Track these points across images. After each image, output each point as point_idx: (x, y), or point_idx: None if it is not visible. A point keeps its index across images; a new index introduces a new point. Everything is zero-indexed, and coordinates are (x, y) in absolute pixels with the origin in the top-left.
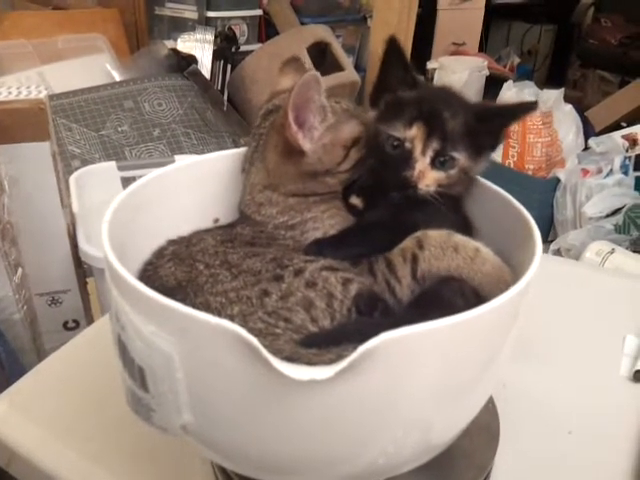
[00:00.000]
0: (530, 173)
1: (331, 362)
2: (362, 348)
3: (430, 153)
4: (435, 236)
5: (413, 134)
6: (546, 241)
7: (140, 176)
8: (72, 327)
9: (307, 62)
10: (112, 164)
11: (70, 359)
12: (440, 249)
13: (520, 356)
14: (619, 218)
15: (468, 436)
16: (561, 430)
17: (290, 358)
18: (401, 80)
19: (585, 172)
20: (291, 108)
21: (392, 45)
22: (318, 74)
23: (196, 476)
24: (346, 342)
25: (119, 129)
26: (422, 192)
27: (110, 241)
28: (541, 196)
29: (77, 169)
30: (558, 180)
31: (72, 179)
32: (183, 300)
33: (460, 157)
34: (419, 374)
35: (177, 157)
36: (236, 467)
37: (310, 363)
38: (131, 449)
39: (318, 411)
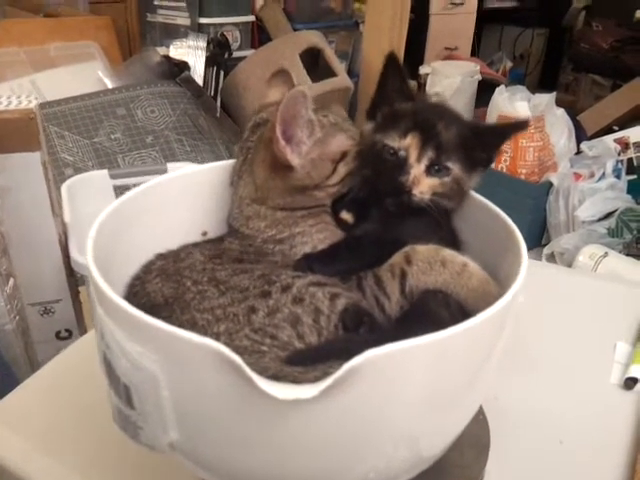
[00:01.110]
0: (523, 177)
1: (316, 379)
2: (347, 366)
3: (425, 161)
4: (423, 251)
5: (408, 143)
6: (539, 245)
7: (133, 184)
8: (65, 337)
9: (300, 69)
10: (104, 172)
11: (58, 373)
12: (428, 264)
13: (510, 365)
14: (612, 222)
15: (459, 447)
16: (552, 439)
17: (275, 376)
18: (398, 94)
19: (577, 176)
20: (279, 123)
21: (390, 60)
22: (306, 89)
23: None
24: (332, 359)
25: (112, 136)
26: (416, 199)
27: (95, 257)
28: (534, 200)
29: (70, 177)
30: (551, 184)
31: (64, 188)
32: (169, 317)
33: (454, 167)
34: (405, 390)
35: (170, 165)
36: None
37: (295, 381)
38: (121, 463)
39: (304, 429)
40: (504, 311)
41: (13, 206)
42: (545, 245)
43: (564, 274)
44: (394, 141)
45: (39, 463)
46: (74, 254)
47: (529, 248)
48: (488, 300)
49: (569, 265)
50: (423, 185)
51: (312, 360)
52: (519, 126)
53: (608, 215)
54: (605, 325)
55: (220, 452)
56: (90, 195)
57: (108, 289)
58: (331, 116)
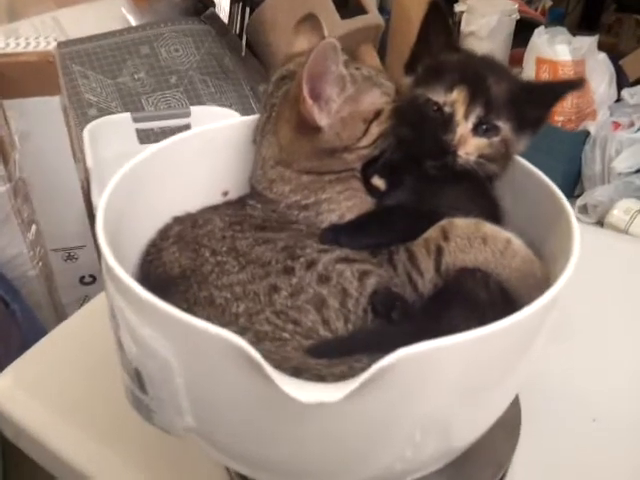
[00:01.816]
0: (559, 125)
1: (342, 375)
2: (376, 366)
3: (473, 119)
4: (462, 226)
5: (454, 98)
6: (572, 196)
7: (156, 128)
8: (89, 282)
9: (328, 5)
10: (127, 115)
11: (76, 332)
12: (467, 240)
13: None
14: None
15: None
16: (585, 417)
17: (297, 369)
18: (443, 46)
19: (616, 125)
20: (306, 80)
21: (433, 9)
22: (336, 40)
23: (205, 459)
24: (359, 351)
25: (135, 76)
26: (462, 160)
27: (106, 231)
28: (569, 149)
29: (94, 118)
30: (588, 133)
31: (86, 132)
32: (186, 292)
33: (504, 127)
34: (439, 388)
35: (193, 108)
36: (243, 470)
37: (319, 375)
38: (138, 428)
39: (327, 428)
40: (552, 303)
41: (33, 152)
42: (578, 196)
43: (599, 235)
44: (439, 95)
45: (54, 425)
46: (96, 200)
47: None
48: (532, 282)
49: (602, 218)
50: (470, 145)
51: (338, 352)
52: (574, 85)
53: None
54: None
55: (237, 442)
56: (112, 139)
57: (120, 269)
58: (364, 69)
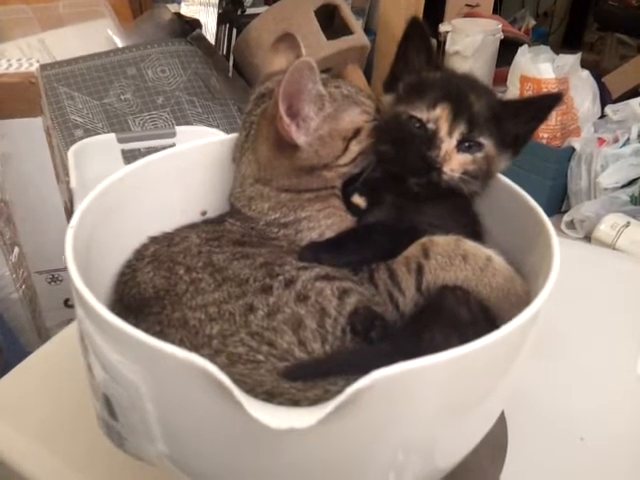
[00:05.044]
0: (544, 142)
1: (317, 399)
2: (351, 389)
3: (456, 135)
4: (442, 243)
5: (437, 114)
6: (559, 212)
7: (142, 148)
8: (73, 305)
9: (314, 26)
10: (112, 136)
11: (51, 359)
12: (447, 258)
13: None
14: (635, 189)
15: (474, 449)
16: (572, 436)
17: (270, 393)
18: (423, 63)
19: (601, 141)
20: (282, 99)
21: (414, 26)
22: (311, 59)
23: None
24: (334, 374)
25: (122, 97)
26: (446, 177)
27: (76, 251)
28: (555, 166)
29: (80, 138)
30: (573, 149)
31: (70, 153)
32: (159, 314)
33: (487, 143)
34: (416, 410)
35: (178, 128)
36: None
37: (293, 400)
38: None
39: (301, 454)
40: (532, 320)
41: (16, 173)
42: (565, 212)
43: (584, 251)
44: (421, 112)
45: (30, 454)
46: None
47: (549, 215)
48: (513, 299)
49: (589, 233)
50: (454, 162)
51: (313, 375)
52: (552, 100)
53: (631, 182)
54: (630, 310)
55: (211, 469)
56: (97, 160)
57: (84, 288)
58: (344, 87)
